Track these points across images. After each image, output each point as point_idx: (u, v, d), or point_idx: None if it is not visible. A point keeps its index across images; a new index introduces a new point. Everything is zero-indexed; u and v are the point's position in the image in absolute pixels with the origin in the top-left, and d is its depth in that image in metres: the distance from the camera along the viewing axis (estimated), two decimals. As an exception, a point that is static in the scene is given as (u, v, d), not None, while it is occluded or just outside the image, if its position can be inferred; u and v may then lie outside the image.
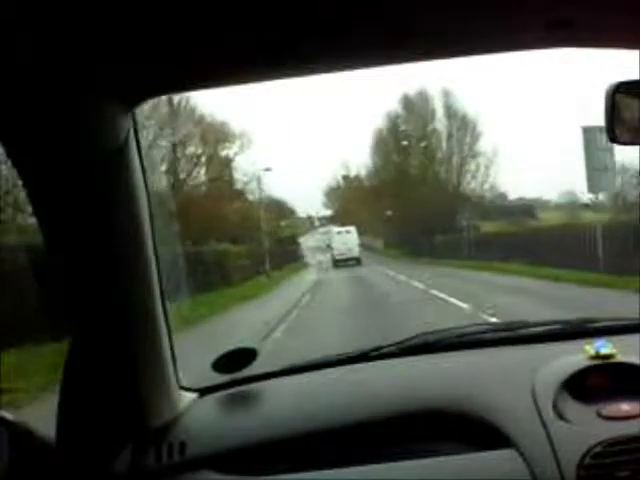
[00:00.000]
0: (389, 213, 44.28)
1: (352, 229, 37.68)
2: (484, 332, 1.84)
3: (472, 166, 43.37)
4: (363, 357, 1.75)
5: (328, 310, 14.34)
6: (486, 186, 42.79)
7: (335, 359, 1.77)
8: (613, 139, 1.23)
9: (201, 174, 31.34)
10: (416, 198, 40.29)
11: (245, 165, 33.54)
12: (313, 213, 61.51)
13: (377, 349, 1.75)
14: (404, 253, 41.94)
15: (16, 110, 1.07)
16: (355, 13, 1.02)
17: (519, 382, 1.45)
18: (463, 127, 43.33)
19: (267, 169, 32.86)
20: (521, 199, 44.59)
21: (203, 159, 31.07)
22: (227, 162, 33.05)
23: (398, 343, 1.77)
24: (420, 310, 12.39)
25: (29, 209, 1.28)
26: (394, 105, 52.04)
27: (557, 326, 1.80)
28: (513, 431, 1.35)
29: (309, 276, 29.82)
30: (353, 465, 1.37)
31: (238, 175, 33.66)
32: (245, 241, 29.66)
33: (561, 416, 1.35)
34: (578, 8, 1.04)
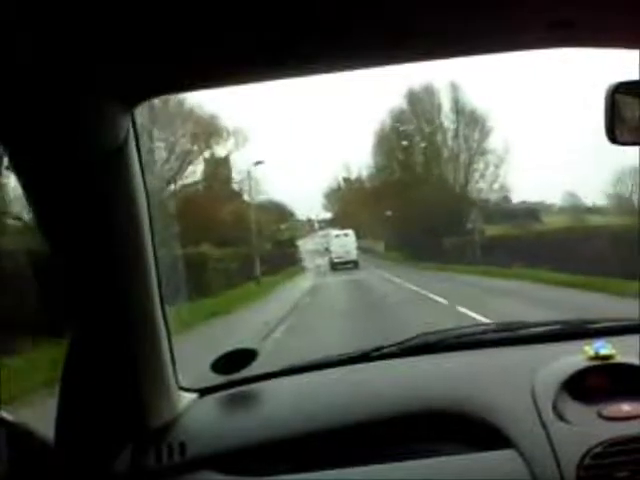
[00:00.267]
0: (389, 214, 41.96)
1: (350, 232, 37.45)
2: (484, 332, 1.84)
3: (481, 165, 40.40)
4: (364, 357, 1.75)
5: (320, 331, 10.72)
6: (496, 186, 39.91)
7: (336, 359, 1.77)
8: (613, 139, 1.23)
9: (188, 172, 29.43)
10: (420, 198, 37.54)
11: (240, 163, 31.29)
12: (313, 216, 61.43)
13: (378, 349, 1.75)
14: (407, 257, 39.30)
15: (16, 110, 1.07)
16: (355, 13, 1.02)
17: (519, 382, 1.46)
18: (472, 123, 40.17)
19: (258, 162, 29.84)
20: (524, 202, 42.52)
21: (191, 157, 29.07)
22: (218, 159, 31.04)
23: (399, 343, 1.77)
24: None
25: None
26: (398, 101, 48.52)
27: (557, 327, 1.80)
28: (513, 431, 1.35)
29: (305, 282, 26.75)
30: (354, 465, 1.37)
31: (228, 173, 31.71)
32: (235, 243, 26.63)
33: (561, 417, 1.35)
34: (578, 8, 1.04)
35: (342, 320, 12.28)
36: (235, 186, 32.20)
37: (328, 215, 57.93)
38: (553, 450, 1.29)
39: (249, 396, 1.63)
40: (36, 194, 1.21)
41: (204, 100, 28.31)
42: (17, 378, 6.94)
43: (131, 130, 1.24)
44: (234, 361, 1.65)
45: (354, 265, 34.97)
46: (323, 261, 39.42)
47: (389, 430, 1.44)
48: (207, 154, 30.58)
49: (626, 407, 1.33)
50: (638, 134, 1.25)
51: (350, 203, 49.92)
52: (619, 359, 1.45)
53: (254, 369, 1.68)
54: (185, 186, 28.89)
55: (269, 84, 1.26)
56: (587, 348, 1.48)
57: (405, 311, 12.76)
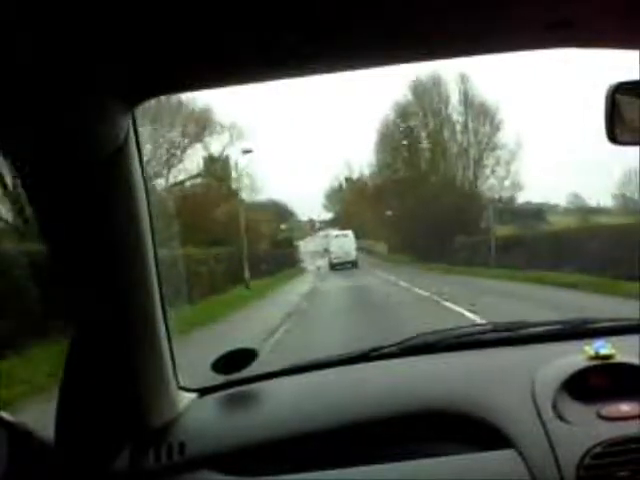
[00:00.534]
0: (393, 213, 39.87)
1: (349, 233, 37.28)
2: (484, 332, 1.84)
3: (491, 160, 38.06)
4: (363, 357, 1.74)
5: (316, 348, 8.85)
6: (507, 183, 37.52)
7: (335, 359, 1.77)
8: (613, 139, 1.23)
9: (177, 166, 27.12)
10: (425, 197, 35.76)
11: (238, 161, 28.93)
12: (315, 216, 61.33)
13: (377, 349, 1.75)
14: (412, 258, 37.25)
15: (16, 110, 1.07)
16: (355, 13, 1.02)
17: (519, 382, 1.45)
18: (482, 115, 37.75)
19: (247, 151, 27.59)
20: (528, 203, 40.83)
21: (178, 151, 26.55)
22: (209, 154, 28.84)
23: (398, 343, 1.77)
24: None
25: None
26: (403, 93, 46.22)
27: (556, 326, 1.80)
28: (513, 431, 1.35)
29: (301, 286, 24.33)
30: (353, 465, 1.37)
31: (221, 168, 29.25)
32: (223, 243, 24.06)
33: (561, 416, 1.35)
34: (578, 8, 1.04)
35: (342, 336, 9.80)
36: (225, 181, 29.60)
37: (330, 215, 57.82)
38: (553, 450, 1.29)
39: (249, 396, 1.63)
40: (36, 194, 1.21)
41: (199, 94, 26.94)
42: (16, 379, 6.95)
43: (131, 130, 1.24)
44: (234, 361, 1.65)
45: (353, 265, 34.95)
46: (324, 262, 38.91)
47: (388, 430, 1.44)
48: (197, 148, 28.60)
49: (626, 407, 1.33)
50: (638, 134, 1.25)
51: (352, 203, 48.67)
52: (619, 359, 1.45)
53: (254, 369, 1.68)
54: (175, 184, 27.16)
55: (270, 82, 1.25)
56: (587, 348, 1.48)
57: (424, 328, 9.62)
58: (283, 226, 45.50)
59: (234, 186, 28.92)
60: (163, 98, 21.54)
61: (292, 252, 42.26)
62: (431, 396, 1.49)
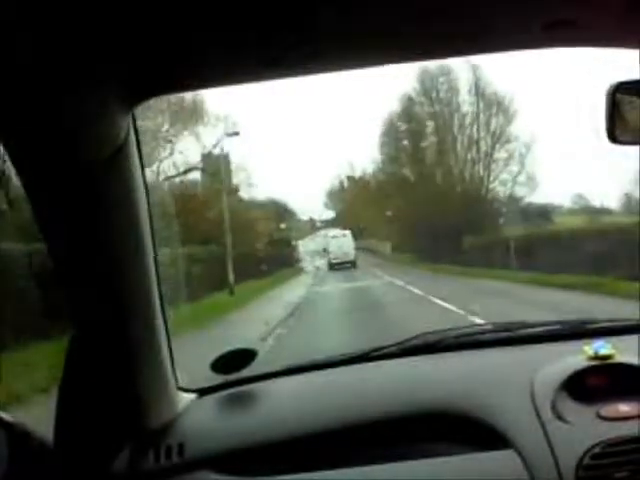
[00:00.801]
0: (397, 211, 37.18)
1: (347, 233, 36.92)
2: (483, 333, 1.84)
3: (502, 153, 34.79)
4: (363, 357, 1.74)
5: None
6: (521, 178, 34.00)
7: (335, 359, 1.77)
8: (613, 139, 1.23)
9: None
10: (432, 193, 33.22)
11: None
12: (316, 216, 61.16)
13: (377, 349, 1.75)
14: (419, 259, 34.57)
15: (16, 110, 1.07)
16: (355, 13, 1.02)
17: (518, 383, 1.45)
18: (495, 105, 34.46)
19: (233, 133, 23.88)
20: (531, 204, 37.00)
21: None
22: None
23: (398, 343, 1.77)
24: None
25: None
26: (408, 82, 42.21)
27: (556, 327, 1.80)
28: (512, 432, 1.35)
29: (295, 291, 21.16)
30: (353, 466, 1.37)
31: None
32: (204, 242, 20.61)
33: (560, 417, 1.35)
34: (578, 8, 1.04)
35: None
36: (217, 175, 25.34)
37: (331, 215, 57.57)
38: (552, 450, 1.29)
39: (248, 396, 1.62)
40: (36, 194, 1.21)
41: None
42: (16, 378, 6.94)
43: (131, 130, 1.24)
44: (233, 361, 1.64)
45: (352, 265, 34.63)
46: (323, 262, 38.39)
47: (388, 430, 1.44)
48: (188, 140, 25.16)
49: (625, 407, 1.33)
50: (638, 134, 1.25)
51: (354, 201, 46.95)
52: (619, 359, 1.45)
53: (253, 369, 1.67)
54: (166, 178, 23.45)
55: (268, 84, 1.25)
56: (586, 348, 1.48)
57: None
58: (283, 225, 45.28)
59: (225, 180, 24.99)
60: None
61: (290, 252, 41.08)
62: (431, 396, 1.49)
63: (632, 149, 1.27)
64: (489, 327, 1.90)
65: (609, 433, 1.28)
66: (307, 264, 41.23)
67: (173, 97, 21.18)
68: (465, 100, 35.88)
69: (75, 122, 1.12)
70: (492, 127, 35.17)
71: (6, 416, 1.28)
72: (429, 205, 32.76)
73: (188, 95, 22.25)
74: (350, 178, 50.09)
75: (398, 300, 15.26)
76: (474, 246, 28.30)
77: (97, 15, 0.93)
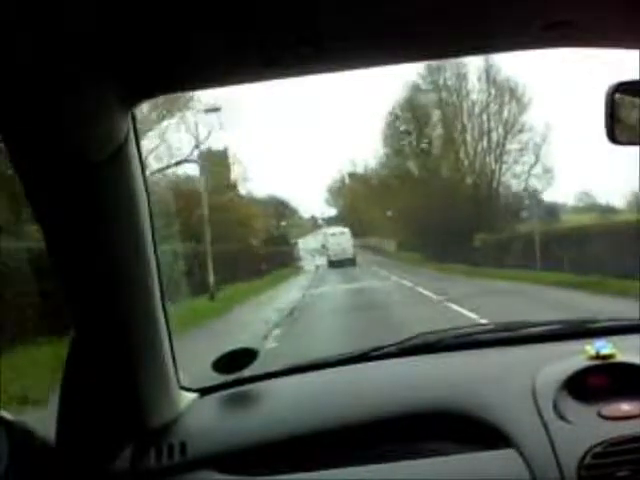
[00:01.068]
0: (401, 208, 34.77)
1: (346, 230, 36.60)
2: (484, 332, 1.84)
3: (515, 144, 32.03)
4: (363, 357, 1.74)
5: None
6: (536, 171, 31.33)
7: (335, 359, 1.77)
8: (612, 139, 1.23)
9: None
10: (438, 188, 30.90)
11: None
12: (317, 213, 60.96)
13: (377, 349, 1.75)
14: (424, 257, 32.85)
15: (16, 110, 1.07)
16: (355, 13, 1.02)
17: (519, 382, 1.45)
18: (507, 92, 31.42)
19: (213, 109, 20.78)
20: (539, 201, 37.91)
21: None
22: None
23: (398, 343, 1.77)
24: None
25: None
26: (415, 69, 35.71)
27: (557, 326, 1.80)
28: (513, 431, 1.35)
29: (287, 294, 19.10)
30: (353, 465, 1.37)
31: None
32: (183, 240, 16.19)
33: (561, 416, 1.35)
34: (578, 8, 1.04)
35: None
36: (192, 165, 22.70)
37: (333, 212, 57.33)
38: (553, 450, 1.29)
39: (250, 396, 1.63)
40: (37, 193, 1.21)
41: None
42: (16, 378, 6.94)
43: (131, 130, 1.24)
44: (235, 361, 1.65)
45: (351, 262, 33.96)
46: (323, 260, 37.94)
47: (389, 430, 1.44)
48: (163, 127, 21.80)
49: (627, 407, 1.33)
50: (637, 134, 1.25)
51: (356, 198, 45.50)
52: (620, 358, 1.45)
53: (255, 369, 1.67)
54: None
55: (269, 84, 1.25)
56: (588, 347, 1.48)
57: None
58: (283, 223, 45.04)
59: (219, 174, 23.81)
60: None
61: (288, 250, 39.74)
62: (431, 396, 1.49)
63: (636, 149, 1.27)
64: (490, 327, 1.90)
65: (611, 432, 1.28)
66: (307, 262, 40.63)
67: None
68: (475, 87, 33.06)
69: (75, 122, 1.12)
70: (504, 116, 32.25)
71: (7, 415, 1.29)
72: (436, 200, 30.32)
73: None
74: (352, 175, 49.37)
75: (408, 302, 13.71)
76: (487, 243, 26.05)
77: (97, 15, 0.94)
